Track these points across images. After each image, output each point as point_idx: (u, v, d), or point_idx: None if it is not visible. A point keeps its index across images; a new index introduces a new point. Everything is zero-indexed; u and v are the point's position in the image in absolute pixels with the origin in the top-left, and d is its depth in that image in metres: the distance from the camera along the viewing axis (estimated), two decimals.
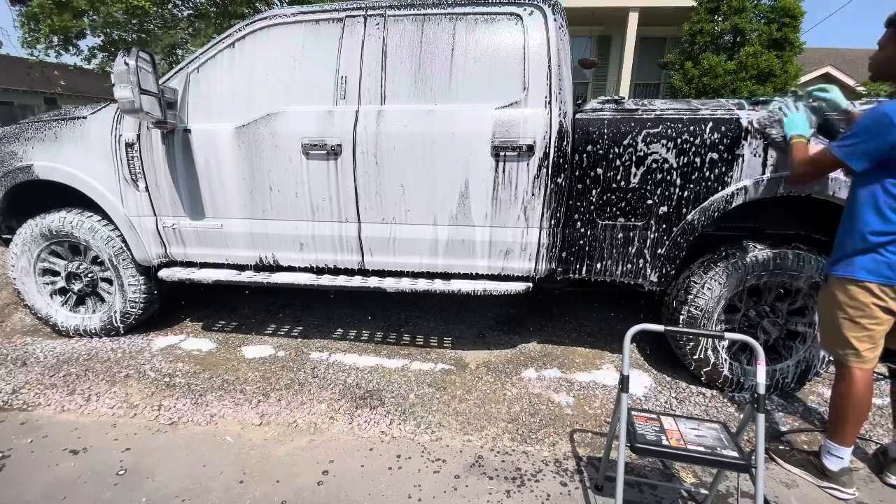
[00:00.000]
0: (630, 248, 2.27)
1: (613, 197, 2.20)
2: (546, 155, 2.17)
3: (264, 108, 2.34)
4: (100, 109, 2.58)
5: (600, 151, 2.14)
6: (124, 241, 2.66)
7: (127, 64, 2.01)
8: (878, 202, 1.52)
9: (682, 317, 2.29)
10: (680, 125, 2.07)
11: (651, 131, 2.08)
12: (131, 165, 2.49)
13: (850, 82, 14.37)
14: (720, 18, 9.01)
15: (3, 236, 2.92)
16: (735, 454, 1.36)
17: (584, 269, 2.35)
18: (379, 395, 2.32)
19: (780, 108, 2.02)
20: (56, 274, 2.83)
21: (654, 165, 2.11)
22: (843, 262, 1.63)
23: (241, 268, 2.66)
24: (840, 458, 1.72)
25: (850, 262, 1.61)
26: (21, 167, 2.62)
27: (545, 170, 2.19)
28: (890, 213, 1.51)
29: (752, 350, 1.47)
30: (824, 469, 1.75)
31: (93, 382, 2.41)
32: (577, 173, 2.19)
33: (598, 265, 2.33)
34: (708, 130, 2.04)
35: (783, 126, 1.96)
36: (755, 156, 2.03)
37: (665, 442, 1.40)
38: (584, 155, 2.16)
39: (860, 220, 1.58)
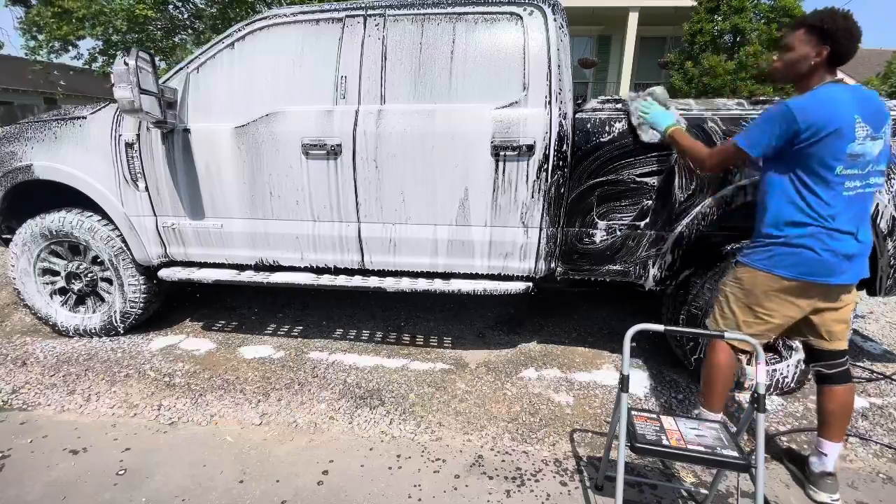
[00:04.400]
0: (630, 248, 2.27)
1: (613, 196, 2.20)
2: (546, 155, 2.17)
3: (264, 108, 2.34)
4: (100, 109, 2.58)
5: (600, 151, 2.14)
6: (124, 241, 2.66)
7: (127, 64, 2.01)
8: (790, 194, 1.54)
9: (682, 317, 2.29)
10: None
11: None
12: (131, 165, 2.49)
13: (851, 82, 14.37)
14: (720, 18, 9.01)
15: (3, 236, 2.92)
16: (735, 454, 1.36)
17: (584, 268, 2.35)
18: (379, 395, 2.32)
19: (639, 113, 2.03)
20: (56, 274, 2.83)
21: (655, 165, 2.11)
22: (753, 252, 1.65)
23: (241, 268, 2.65)
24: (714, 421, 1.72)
25: (758, 252, 1.63)
26: (21, 167, 2.61)
27: (545, 169, 2.19)
28: (802, 205, 1.52)
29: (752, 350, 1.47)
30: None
31: (93, 382, 2.41)
32: (577, 173, 2.19)
33: (598, 265, 2.33)
34: (708, 130, 2.04)
35: (651, 126, 1.99)
36: None
37: (665, 442, 1.40)
38: (584, 155, 2.16)
39: (772, 211, 1.59)
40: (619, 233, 2.25)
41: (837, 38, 1.49)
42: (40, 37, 9.17)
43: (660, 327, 1.55)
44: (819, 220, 1.49)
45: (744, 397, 2.32)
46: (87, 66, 10.08)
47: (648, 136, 2.04)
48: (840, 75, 1.57)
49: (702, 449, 1.38)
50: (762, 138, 1.53)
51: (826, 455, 1.68)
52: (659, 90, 2.07)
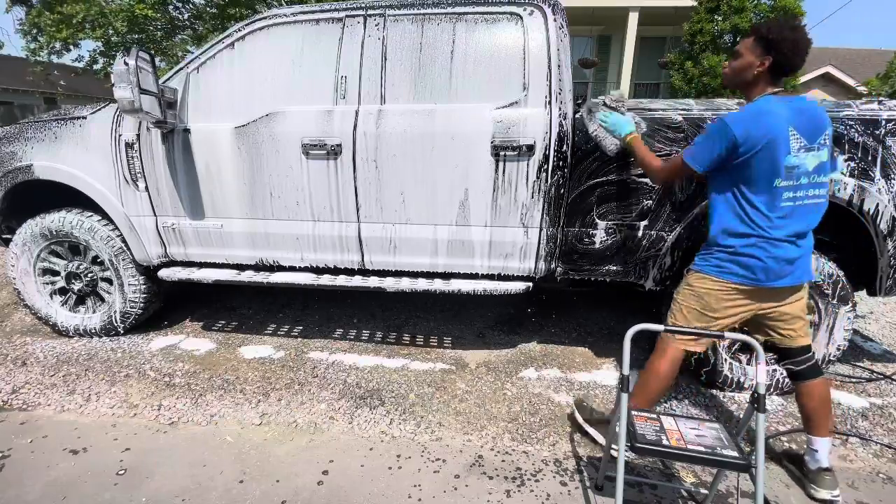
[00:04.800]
0: (630, 248, 2.27)
1: (614, 196, 2.20)
2: (546, 155, 2.17)
3: (264, 108, 2.34)
4: (100, 109, 2.58)
5: (600, 151, 2.13)
6: (124, 240, 2.66)
7: (127, 64, 2.01)
8: (733, 205, 1.60)
9: None
10: (678, 125, 2.07)
11: (651, 130, 2.08)
12: (131, 165, 2.49)
13: (851, 82, 14.38)
14: (720, 18, 9.02)
15: (3, 236, 2.92)
16: (735, 454, 1.36)
17: (584, 268, 2.35)
18: (379, 395, 2.32)
19: (601, 120, 2.03)
20: (56, 274, 2.83)
21: None
22: (704, 260, 1.70)
23: (241, 268, 2.66)
24: None
25: (709, 260, 1.68)
26: (21, 167, 2.61)
27: (545, 170, 2.19)
28: (744, 217, 1.57)
29: (752, 350, 1.47)
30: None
31: (93, 382, 2.41)
32: (577, 173, 2.19)
33: (598, 265, 2.33)
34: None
35: (610, 132, 1.99)
36: None
37: (665, 442, 1.40)
38: (584, 155, 2.16)
39: (718, 222, 1.65)
40: (618, 233, 2.25)
41: (781, 49, 1.51)
42: (41, 38, 9.18)
43: (660, 327, 1.56)
44: (759, 231, 1.55)
45: (744, 397, 2.32)
46: (87, 68, 10.09)
47: (608, 143, 2.02)
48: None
49: (702, 449, 1.37)
50: (705, 154, 1.58)
51: (817, 451, 1.70)
52: (617, 93, 2.09)
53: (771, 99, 1.53)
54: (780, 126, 1.47)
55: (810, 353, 1.73)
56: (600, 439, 1.92)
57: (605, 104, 2.05)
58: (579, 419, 2.02)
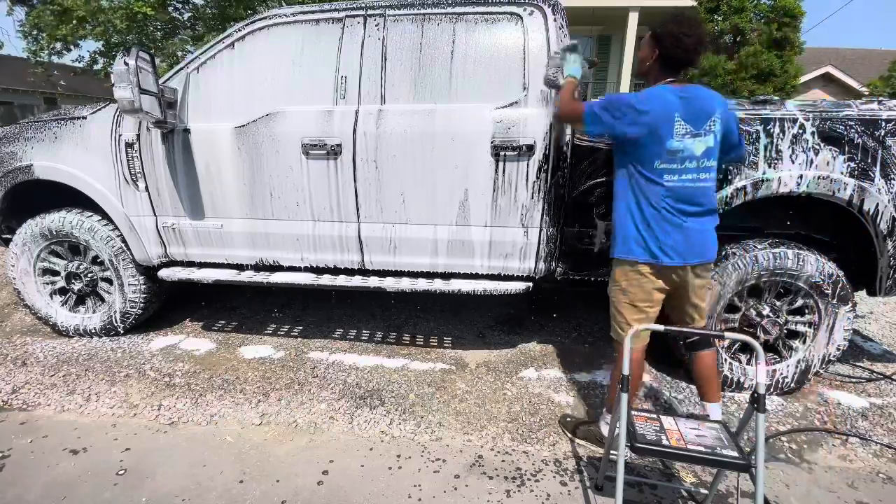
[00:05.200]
0: None
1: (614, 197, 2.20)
2: (546, 155, 2.17)
3: (264, 108, 2.34)
4: (100, 109, 2.58)
5: (600, 151, 2.13)
6: (124, 240, 2.66)
7: (127, 64, 2.01)
8: (628, 185, 1.70)
9: None
10: None
11: None
12: (131, 165, 2.49)
13: (851, 82, 14.38)
14: (720, 18, 9.03)
15: (3, 236, 2.92)
16: (735, 454, 1.36)
17: (584, 268, 2.35)
18: (379, 395, 2.32)
19: (557, 60, 2.04)
20: (56, 274, 2.83)
21: None
22: (621, 244, 1.76)
23: (241, 267, 2.66)
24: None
25: (625, 243, 1.74)
26: (21, 167, 2.62)
27: (545, 170, 2.19)
28: (636, 195, 1.68)
29: (752, 350, 1.47)
30: (601, 437, 1.90)
31: (93, 382, 2.41)
32: (577, 173, 2.19)
33: (598, 265, 2.33)
34: None
35: (560, 69, 2.01)
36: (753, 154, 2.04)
37: (665, 442, 1.40)
38: (584, 155, 2.16)
39: (617, 201, 1.76)
40: None
41: (664, 43, 1.63)
42: (41, 39, 9.18)
43: (660, 327, 1.56)
44: (648, 209, 1.66)
45: (744, 397, 2.32)
46: (87, 68, 10.09)
47: (549, 71, 2.05)
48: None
49: (702, 449, 1.38)
50: (602, 115, 1.67)
51: (709, 416, 1.82)
52: (580, 44, 2.06)
53: (663, 88, 1.63)
54: (667, 112, 1.58)
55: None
56: (592, 446, 1.95)
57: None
58: (568, 435, 2.04)
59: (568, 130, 2.15)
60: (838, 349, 2.23)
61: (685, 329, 1.72)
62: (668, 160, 1.61)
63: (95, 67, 9.95)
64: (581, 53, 1.98)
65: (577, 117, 1.77)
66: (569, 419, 2.10)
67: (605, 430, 1.88)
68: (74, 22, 8.53)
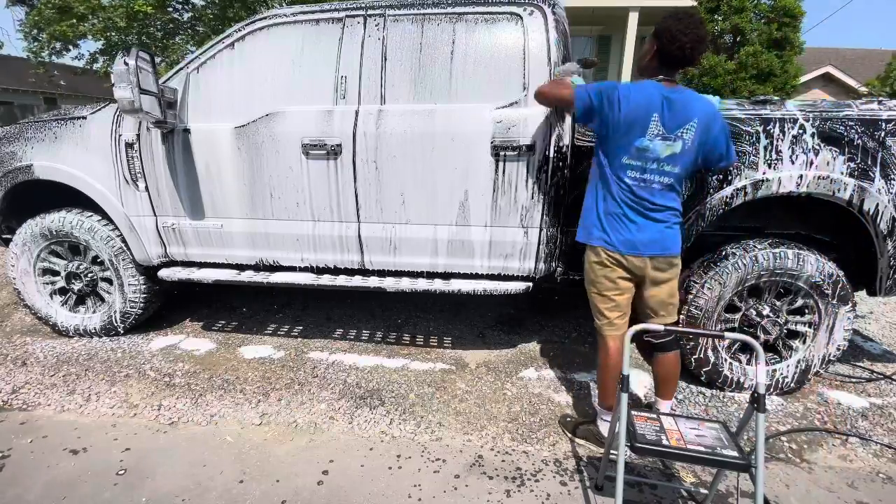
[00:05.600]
0: None
1: None
2: (546, 155, 2.17)
3: (264, 108, 2.34)
4: (100, 109, 2.58)
5: None
6: (124, 241, 2.66)
7: (127, 64, 2.01)
8: (597, 174, 1.75)
9: (682, 316, 2.28)
10: None
11: None
12: (131, 165, 2.49)
13: (851, 82, 14.38)
14: (720, 18, 9.03)
15: (3, 236, 2.92)
16: (735, 454, 1.36)
17: None
18: (379, 395, 2.32)
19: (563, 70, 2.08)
20: (56, 274, 2.83)
21: None
22: (583, 229, 1.80)
23: (241, 268, 2.66)
24: (608, 421, 1.79)
25: (587, 229, 1.78)
26: (21, 167, 2.62)
27: (545, 170, 2.19)
28: (602, 185, 1.72)
29: (752, 350, 1.47)
30: (601, 437, 1.90)
31: (93, 382, 2.41)
32: (578, 173, 2.19)
33: None
34: None
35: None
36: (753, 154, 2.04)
37: (665, 442, 1.40)
38: (585, 155, 2.16)
39: (593, 190, 1.78)
40: None
41: (661, 38, 1.63)
42: (42, 37, 9.17)
43: (660, 327, 1.56)
44: (610, 201, 1.71)
45: (744, 397, 2.32)
46: (87, 68, 10.08)
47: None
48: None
49: (702, 449, 1.38)
50: (590, 99, 1.68)
51: (660, 409, 1.88)
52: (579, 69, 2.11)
53: (653, 84, 1.64)
54: (647, 109, 1.60)
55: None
56: (592, 445, 1.96)
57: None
58: (568, 435, 2.04)
59: (568, 131, 2.15)
60: (838, 349, 2.23)
61: (686, 329, 1.72)
62: (634, 156, 1.65)
63: (95, 66, 9.95)
64: (580, 74, 2.02)
65: (564, 96, 1.78)
66: (569, 419, 2.10)
67: (604, 429, 1.88)
68: (74, 20, 8.53)
